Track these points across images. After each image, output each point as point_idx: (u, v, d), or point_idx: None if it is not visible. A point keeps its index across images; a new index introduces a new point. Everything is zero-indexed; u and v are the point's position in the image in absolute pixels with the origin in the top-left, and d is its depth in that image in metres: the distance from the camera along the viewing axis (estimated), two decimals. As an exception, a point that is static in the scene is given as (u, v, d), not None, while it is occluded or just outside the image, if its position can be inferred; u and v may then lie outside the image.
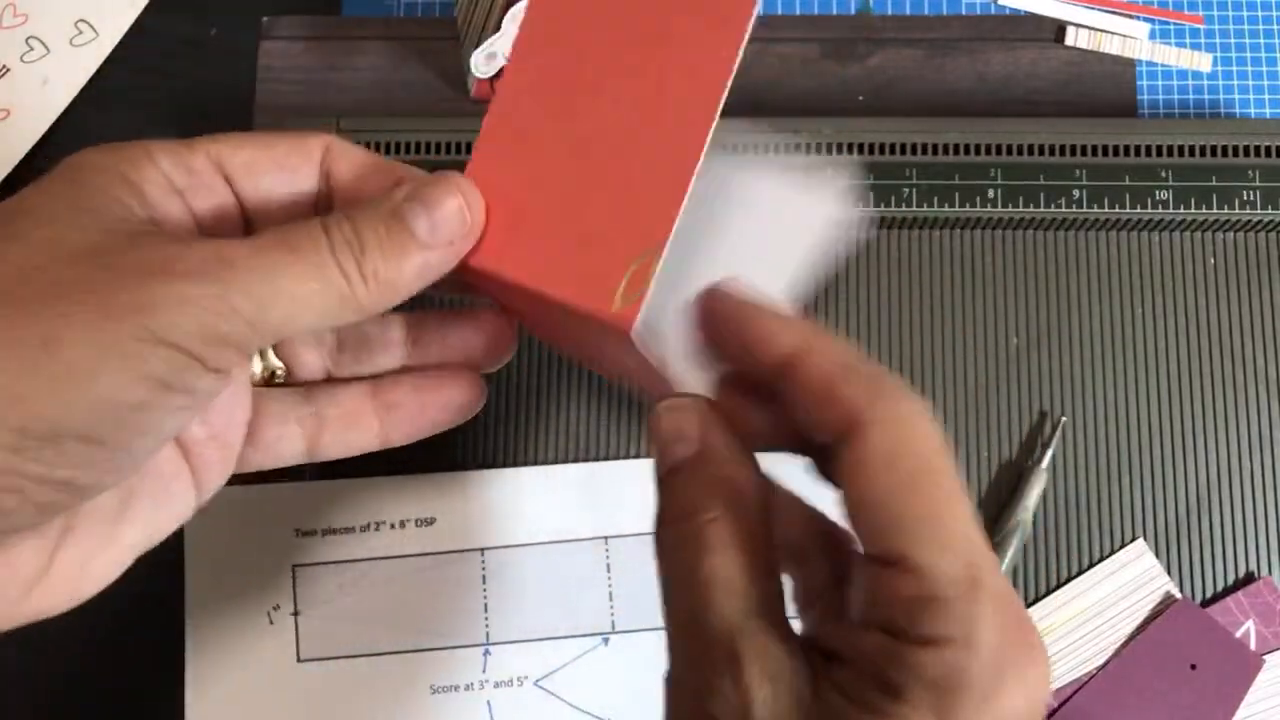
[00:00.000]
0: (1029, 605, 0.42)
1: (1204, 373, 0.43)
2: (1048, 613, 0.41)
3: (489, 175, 0.29)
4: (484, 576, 0.41)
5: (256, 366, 0.32)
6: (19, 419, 0.24)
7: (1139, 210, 0.43)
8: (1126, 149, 0.43)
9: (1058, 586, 0.42)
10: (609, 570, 0.41)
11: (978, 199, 0.43)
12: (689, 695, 0.24)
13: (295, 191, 0.30)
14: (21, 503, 0.25)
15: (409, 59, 0.47)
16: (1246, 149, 0.43)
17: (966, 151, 0.43)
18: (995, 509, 0.42)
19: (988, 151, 0.43)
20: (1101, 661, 0.41)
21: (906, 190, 0.43)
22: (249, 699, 0.40)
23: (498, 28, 0.43)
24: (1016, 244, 0.44)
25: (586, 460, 0.43)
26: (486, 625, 0.41)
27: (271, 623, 0.41)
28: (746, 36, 0.28)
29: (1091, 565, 0.42)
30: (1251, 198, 0.43)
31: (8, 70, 0.47)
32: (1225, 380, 0.43)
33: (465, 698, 0.41)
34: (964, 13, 0.48)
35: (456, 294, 0.33)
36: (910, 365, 0.44)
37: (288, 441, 0.32)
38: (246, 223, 0.30)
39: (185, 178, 0.28)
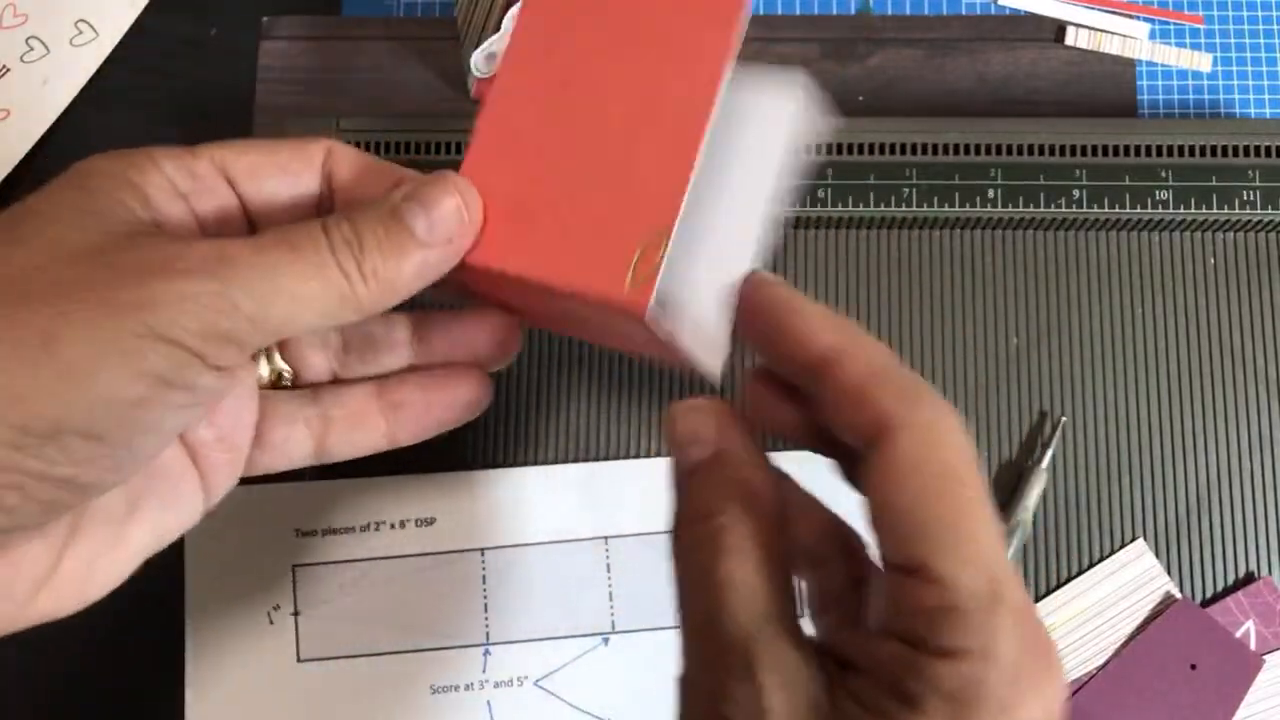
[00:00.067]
0: (1029, 605, 0.42)
1: (1204, 373, 0.43)
2: (1048, 613, 0.41)
3: (485, 173, 0.29)
4: (484, 576, 0.41)
5: (264, 370, 0.32)
6: (19, 416, 0.24)
7: (1139, 210, 0.43)
8: (1126, 149, 0.43)
9: (1058, 586, 0.42)
10: (609, 570, 0.41)
11: (978, 199, 0.43)
12: (703, 697, 0.24)
13: (297, 195, 0.30)
14: (24, 500, 0.25)
15: (409, 59, 0.47)
16: (1246, 149, 0.43)
17: (966, 151, 0.43)
18: (995, 509, 0.42)
19: (988, 151, 0.43)
20: (1101, 661, 0.41)
21: (906, 190, 0.43)
22: (249, 699, 0.40)
23: (498, 28, 0.43)
24: (1016, 244, 0.44)
25: (586, 460, 0.43)
26: (486, 625, 0.41)
27: (271, 623, 0.41)
28: (744, 19, 0.28)
29: (1091, 565, 0.42)
30: (1251, 198, 0.43)
31: (8, 70, 0.47)
32: (1225, 380, 0.43)
33: (465, 698, 0.41)
34: (964, 13, 0.48)
35: (454, 294, 0.33)
36: (910, 365, 0.43)
37: (295, 443, 0.32)
38: (250, 226, 0.30)
39: (189, 182, 0.28)
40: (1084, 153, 0.43)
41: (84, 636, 0.42)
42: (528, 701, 0.41)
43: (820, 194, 0.43)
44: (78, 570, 0.28)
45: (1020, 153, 0.43)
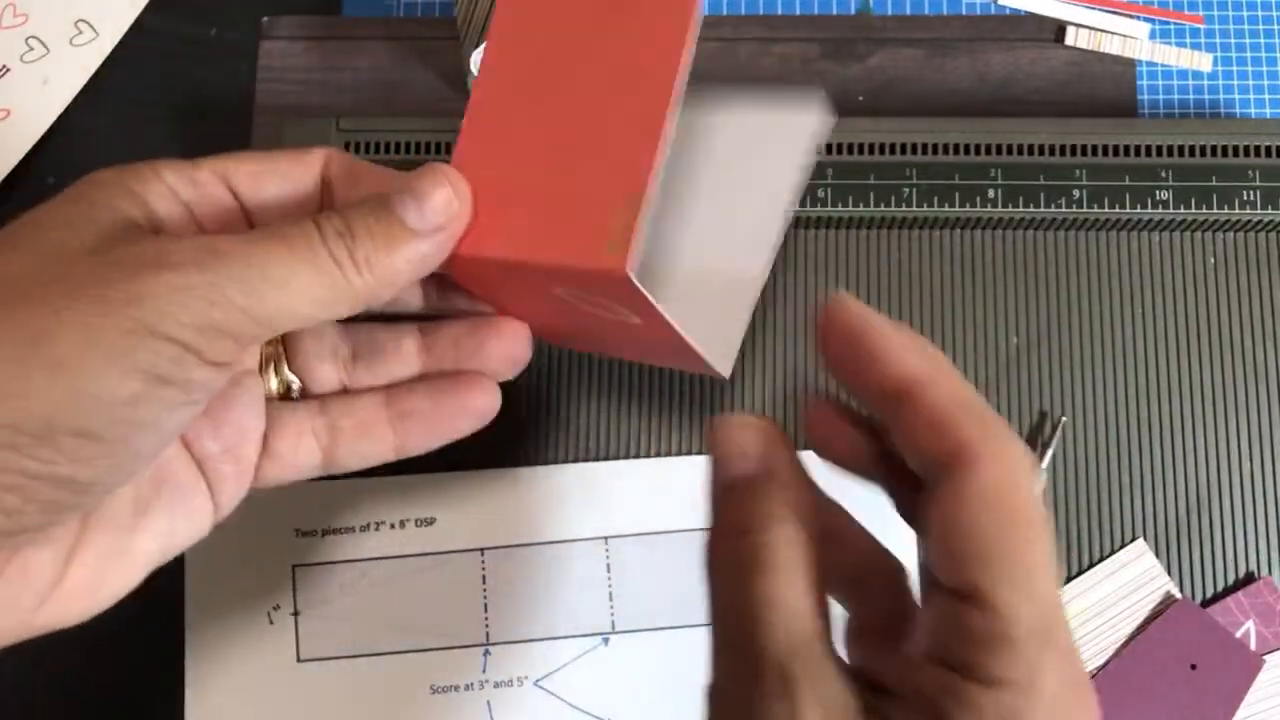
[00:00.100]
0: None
1: (1204, 373, 0.43)
2: (1048, 613, 0.41)
3: (474, 164, 0.30)
4: (484, 576, 0.41)
5: (272, 382, 0.32)
6: (10, 415, 0.24)
7: (1139, 210, 0.43)
8: (1126, 149, 0.43)
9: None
10: (609, 570, 0.41)
11: (978, 199, 0.43)
12: (737, 711, 0.24)
13: (297, 200, 0.30)
14: (24, 501, 0.25)
15: (409, 59, 0.47)
16: (1246, 149, 0.43)
17: (966, 151, 0.43)
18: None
19: (988, 151, 0.43)
20: (1101, 661, 0.41)
21: (906, 190, 0.43)
22: (249, 699, 0.40)
23: (498, 28, 0.43)
24: (1016, 244, 0.44)
25: (586, 460, 0.43)
26: (486, 625, 0.41)
27: (271, 623, 0.41)
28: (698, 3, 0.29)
29: (1091, 565, 0.42)
30: (1251, 198, 0.43)
31: (8, 70, 0.47)
32: (1225, 380, 0.43)
33: (465, 698, 0.41)
34: (964, 13, 0.48)
35: (454, 294, 0.33)
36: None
37: (303, 454, 0.32)
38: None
39: (190, 189, 0.29)
40: (1084, 153, 0.43)
41: (84, 636, 0.41)
42: (528, 701, 0.41)
43: (820, 194, 0.43)
44: (84, 579, 0.28)
45: (1020, 153, 0.43)
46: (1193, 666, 0.40)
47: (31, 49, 0.47)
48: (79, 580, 0.28)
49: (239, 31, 0.48)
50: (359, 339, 0.33)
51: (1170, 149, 0.43)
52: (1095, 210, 0.43)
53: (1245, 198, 0.43)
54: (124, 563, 0.28)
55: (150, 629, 0.41)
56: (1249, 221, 0.43)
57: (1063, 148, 0.43)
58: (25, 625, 0.27)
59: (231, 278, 0.26)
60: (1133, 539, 0.42)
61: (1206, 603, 0.42)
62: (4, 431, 0.24)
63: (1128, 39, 0.47)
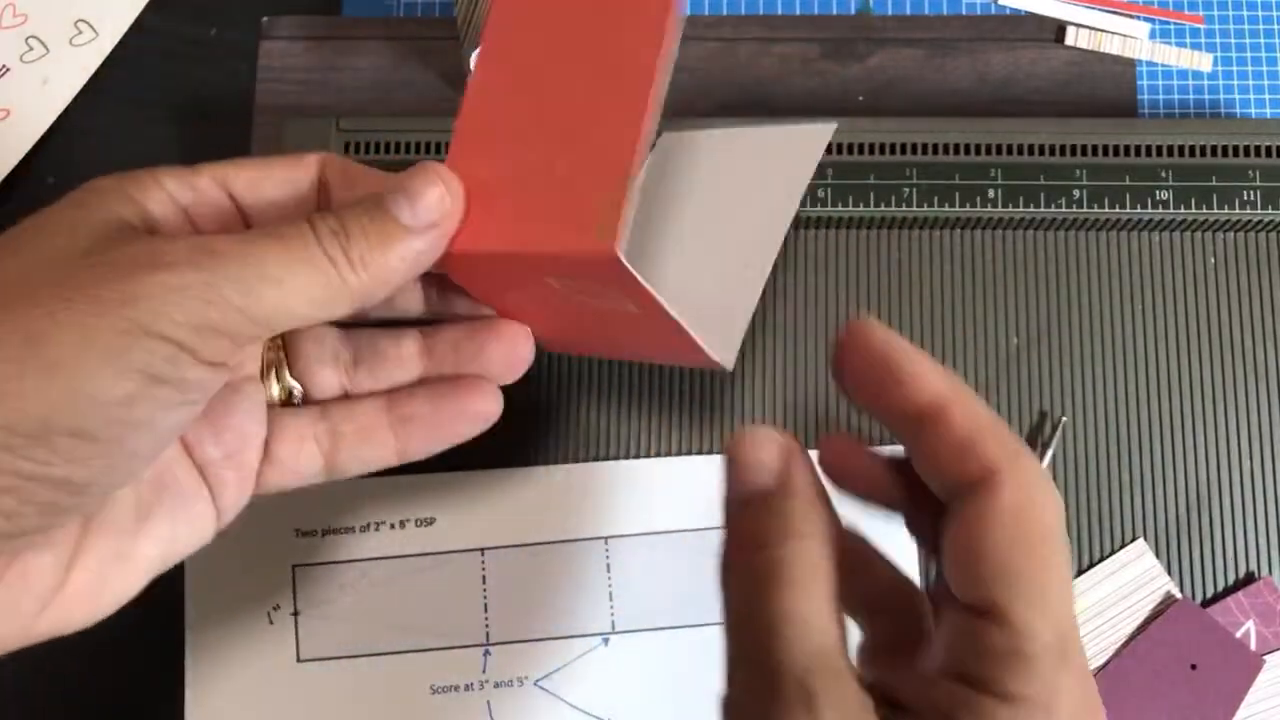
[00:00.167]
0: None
1: (1204, 372, 0.43)
2: (1048, 613, 0.41)
3: (467, 163, 0.30)
4: (484, 576, 0.41)
5: (274, 389, 0.32)
6: (5, 417, 0.24)
7: (1139, 210, 0.43)
8: (1127, 149, 0.43)
9: (1058, 586, 0.42)
10: (609, 570, 0.41)
11: (978, 199, 0.43)
12: None
13: (295, 204, 0.31)
14: (21, 503, 0.25)
15: (409, 59, 0.47)
16: (1246, 149, 0.43)
17: (966, 151, 0.43)
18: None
19: (988, 151, 0.43)
20: (1102, 661, 0.41)
21: (906, 190, 0.43)
22: (249, 699, 0.40)
23: (498, 28, 0.43)
24: (1016, 244, 0.44)
25: (586, 460, 0.43)
26: (486, 625, 0.41)
27: (271, 623, 0.41)
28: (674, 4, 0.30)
29: (1091, 565, 0.42)
30: (1251, 198, 0.43)
31: (8, 70, 0.47)
32: (1225, 380, 0.43)
33: (465, 698, 0.41)
34: (964, 13, 0.48)
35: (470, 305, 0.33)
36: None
37: (305, 460, 0.32)
38: None
39: (189, 194, 0.29)
40: (1084, 153, 0.43)
41: (84, 636, 0.42)
42: (528, 702, 0.41)
43: (820, 194, 0.43)
44: (86, 584, 0.28)
45: (1020, 153, 0.43)
46: (1193, 666, 0.40)
47: (31, 49, 0.47)
48: (81, 585, 0.27)
49: (239, 31, 0.48)
50: (360, 344, 0.33)
51: (1170, 149, 0.43)
52: (1095, 210, 0.43)
53: (1245, 198, 0.43)
54: (126, 568, 0.28)
55: (150, 630, 0.41)
56: (1249, 221, 0.43)
57: (1063, 148, 0.43)
58: (26, 631, 0.27)
59: (228, 277, 0.26)
60: (1133, 539, 0.42)
61: (1206, 603, 0.42)
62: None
63: (1128, 39, 0.47)
